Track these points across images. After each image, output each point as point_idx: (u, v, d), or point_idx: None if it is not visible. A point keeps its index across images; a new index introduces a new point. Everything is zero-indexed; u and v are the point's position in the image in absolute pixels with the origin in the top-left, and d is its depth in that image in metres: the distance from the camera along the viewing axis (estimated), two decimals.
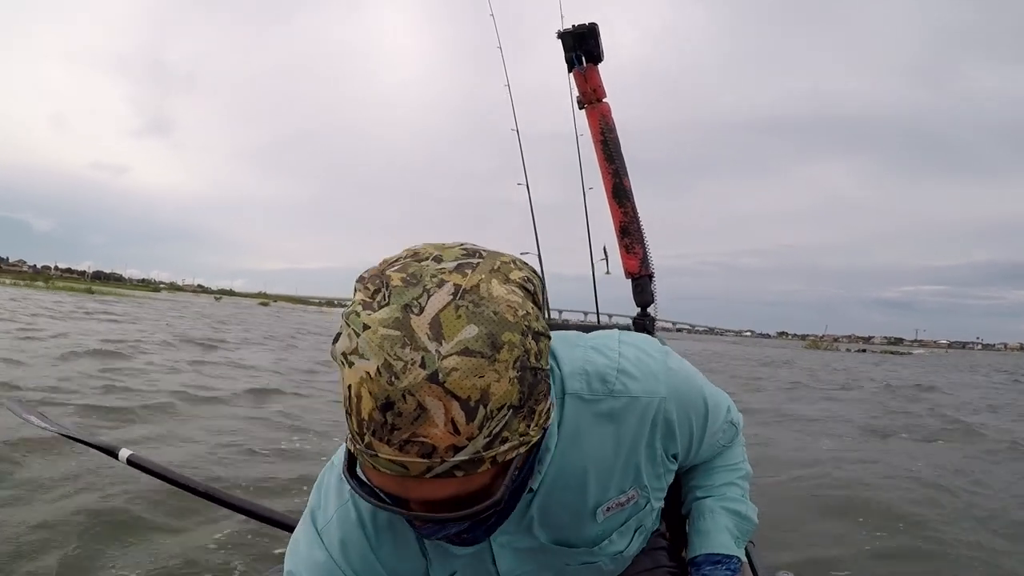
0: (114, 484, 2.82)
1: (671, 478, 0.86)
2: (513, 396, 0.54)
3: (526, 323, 0.55)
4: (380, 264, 0.58)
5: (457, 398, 0.50)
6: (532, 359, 0.55)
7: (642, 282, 1.75)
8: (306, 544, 0.77)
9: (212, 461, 3.68)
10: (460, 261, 0.56)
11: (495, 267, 0.57)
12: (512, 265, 0.59)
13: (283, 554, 1.24)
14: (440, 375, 0.50)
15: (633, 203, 1.75)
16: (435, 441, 0.51)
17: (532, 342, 0.55)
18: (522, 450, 0.57)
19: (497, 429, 0.53)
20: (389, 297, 0.53)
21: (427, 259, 0.57)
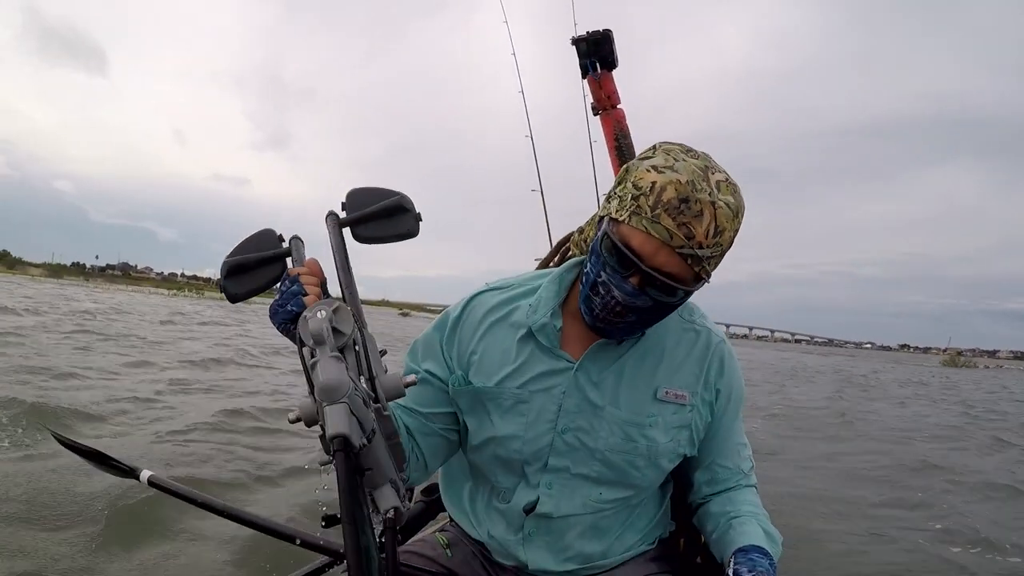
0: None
1: (703, 428, 1.05)
2: (727, 246, 0.87)
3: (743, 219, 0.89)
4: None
5: (717, 222, 0.83)
6: (735, 239, 0.88)
7: None
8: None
9: None
10: None
11: None
12: None
13: (300, 572, 1.27)
14: (717, 205, 0.83)
15: None
16: (696, 234, 0.83)
17: (738, 232, 0.88)
18: (707, 281, 0.89)
19: (716, 255, 0.86)
20: (697, 158, 0.87)
21: None
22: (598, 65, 1.75)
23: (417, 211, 0.91)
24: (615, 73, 1.75)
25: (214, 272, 0.90)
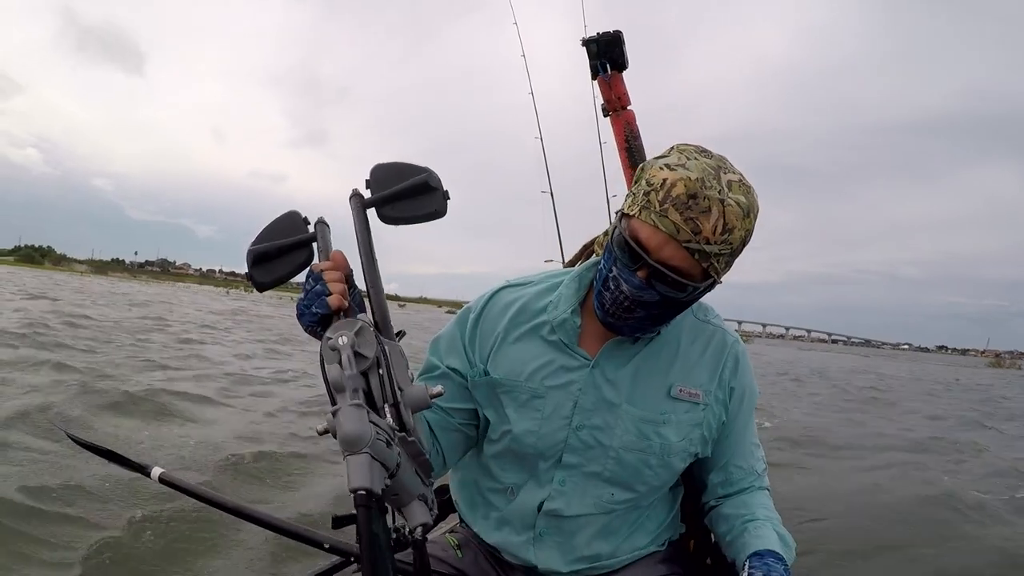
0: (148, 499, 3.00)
1: (716, 428, 1.06)
2: (737, 246, 0.88)
3: (756, 221, 0.90)
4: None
5: (725, 219, 0.84)
6: (748, 240, 0.89)
7: None
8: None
9: None
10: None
11: None
12: None
13: (311, 572, 1.29)
14: (726, 202, 0.84)
15: None
16: (703, 229, 0.84)
17: (752, 234, 0.90)
18: (716, 279, 0.90)
19: (725, 252, 0.87)
20: (711, 158, 0.89)
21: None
22: (608, 66, 1.74)
23: (444, 189, 0.89)
24: (625, 74, 1.74)
25: None
